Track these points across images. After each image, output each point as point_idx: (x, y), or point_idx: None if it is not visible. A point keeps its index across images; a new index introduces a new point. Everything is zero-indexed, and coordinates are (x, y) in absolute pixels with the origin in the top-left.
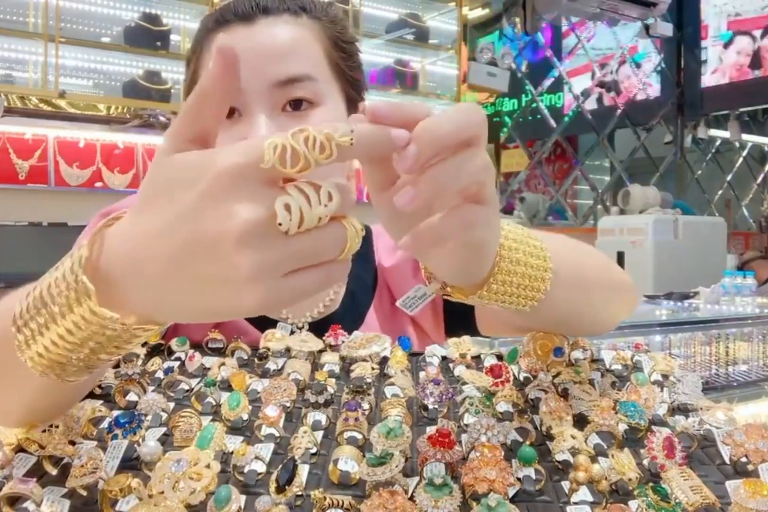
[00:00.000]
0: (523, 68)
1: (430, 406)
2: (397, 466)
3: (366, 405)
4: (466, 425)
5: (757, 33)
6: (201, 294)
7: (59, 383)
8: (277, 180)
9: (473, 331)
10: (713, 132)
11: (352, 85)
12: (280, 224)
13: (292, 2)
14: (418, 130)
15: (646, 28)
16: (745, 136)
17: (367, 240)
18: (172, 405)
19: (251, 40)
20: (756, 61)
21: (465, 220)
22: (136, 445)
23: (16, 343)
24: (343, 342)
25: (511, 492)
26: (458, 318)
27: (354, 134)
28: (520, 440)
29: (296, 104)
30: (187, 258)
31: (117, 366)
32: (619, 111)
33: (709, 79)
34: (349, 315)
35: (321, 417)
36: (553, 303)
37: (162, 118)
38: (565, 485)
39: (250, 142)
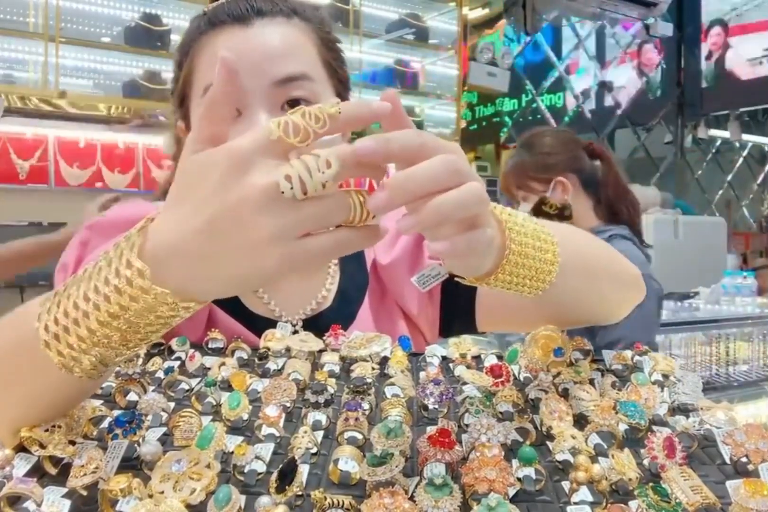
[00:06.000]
0: (523, 68)
1: (431, 406)
2: (397, 466)
3: (366, 405)
4: (467, 425)
5: None
6: (230, 262)
7: (74, 381)
8: (284, 154)
9: (471, 328)
10: (713, 132)
11: (342, 83)
12: (282, 192)
13: (284, 4)
14: (392, 182)
15: (646, 28)
16: (745, 136)
17: None
18: (172, 405)
19: (249, 41)
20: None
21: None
22: (136, 445)
23: (43, 339)
24: (343, 342)
25: (512, 492)
26: (457, 315)
27: (340, 106)
28: (520, 440)
29: (294, 104)
30: (216, 228)
31: None
32: (619, 111)
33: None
34: (341, 312)
35: (321, 417)
36: (559, 291)
37: (162, 118)
38: (566, 485)
39: (255, 129)
